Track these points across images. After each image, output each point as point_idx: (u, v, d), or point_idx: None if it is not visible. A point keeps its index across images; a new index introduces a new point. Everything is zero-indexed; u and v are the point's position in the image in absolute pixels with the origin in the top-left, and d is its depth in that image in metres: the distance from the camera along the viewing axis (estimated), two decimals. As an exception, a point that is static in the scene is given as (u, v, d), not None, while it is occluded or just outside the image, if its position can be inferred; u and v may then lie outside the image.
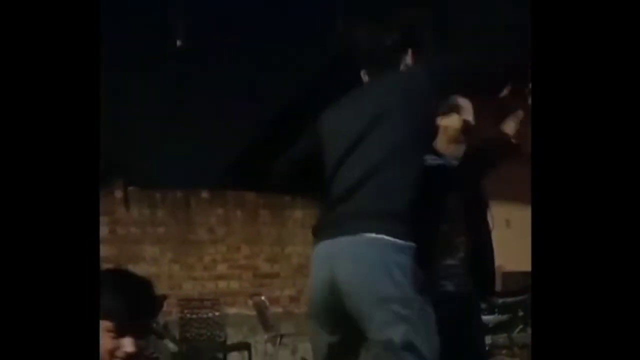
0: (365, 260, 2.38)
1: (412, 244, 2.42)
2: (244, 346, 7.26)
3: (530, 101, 2.32)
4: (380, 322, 2.35)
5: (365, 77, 2.79)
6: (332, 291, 2.43)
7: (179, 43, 5.76)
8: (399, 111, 2.51)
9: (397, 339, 2.32)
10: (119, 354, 1.99)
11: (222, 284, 7.96)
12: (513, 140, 3.18)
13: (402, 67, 2.69)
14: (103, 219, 7.57)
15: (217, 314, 7.17)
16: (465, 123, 3.16)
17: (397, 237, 2.39)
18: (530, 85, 2.26)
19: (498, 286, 6.65)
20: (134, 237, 7.72)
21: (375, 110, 2.54)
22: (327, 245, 2.49)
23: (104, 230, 7.57)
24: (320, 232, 2.57)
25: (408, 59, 2.70)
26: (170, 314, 7.26)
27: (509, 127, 3.18)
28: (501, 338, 6.95)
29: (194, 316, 7.12)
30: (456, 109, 3.15)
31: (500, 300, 6.83)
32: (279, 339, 6.96)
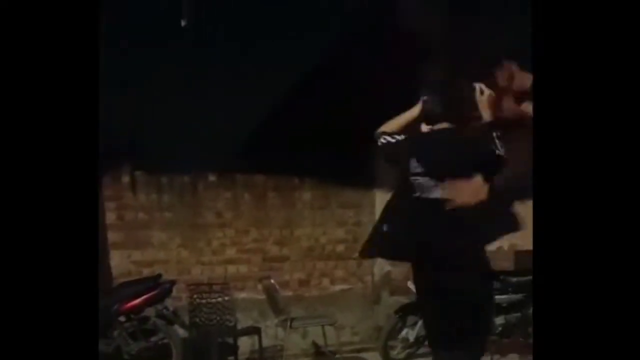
0: None
1: None
2: (254, 330, 7.22)
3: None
4: None
5: None
6: None
7: (183, 23, 5.68)
8: None
9: None
10: None
11: (231, 269, 7.89)
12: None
13: None
14: (110, 205, 7.51)
15: (226, 298, 7.11)
16: None
17: None
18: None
19: (511, 265, 6.60)
20: (141, 222, 7.65)
21: None
22: None
23: (111, 216, 7.52)
24: None
25: None
26: (179, 299, 7.21)
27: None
28: (515, 317, 6.90)
29: (204, 301, 7.05)
30: None
31: (514, 279, 6.76)
32: (289, 322, 6.91)
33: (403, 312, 7.10)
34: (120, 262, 7.52)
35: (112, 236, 7.51)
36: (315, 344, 7.71)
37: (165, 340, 6.71)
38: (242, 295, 7.73)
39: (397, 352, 7.18)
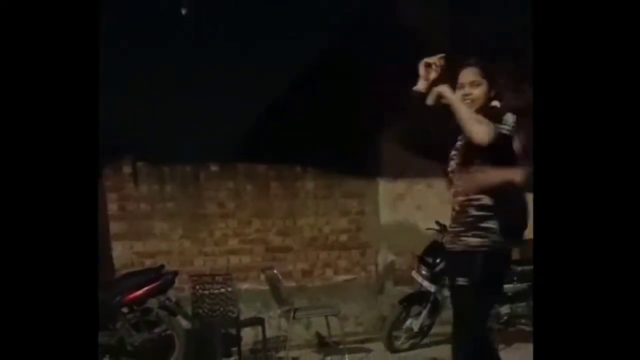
0: None
1: None
2: (258, 321, 7.19)
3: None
4: None
5: None
6: None
7: (184, 11, 5.64)
8: None
9: None
10: None
11: (233, 259, 7.86)
12: None
13: None
14: (112, 196, 7.48)
15: (229, 289, 7.07)
16: None
17: None
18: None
19: (517, 254, 6.55)
20: (143, 213, 7.62)
21: None
22: None
23: (113, 207, 7.49)
24: None
25: None
26: (182, 290, 7.19)
27: None
28: (520, 307, 6.87)
29: (206, 292, 7.01)
30: None
31: (519, 269, 6.72)
32: (292, 313, 6.88)
33: (407, 302, 7.08)
34: (123, 253, 7.50)
35: (114, 227, 7.49)
36: (318, 335, 7.70)
37: (169, 332, 6.70)
38: (245, 286, 7.71)
39: (401, 342, 7.16)
